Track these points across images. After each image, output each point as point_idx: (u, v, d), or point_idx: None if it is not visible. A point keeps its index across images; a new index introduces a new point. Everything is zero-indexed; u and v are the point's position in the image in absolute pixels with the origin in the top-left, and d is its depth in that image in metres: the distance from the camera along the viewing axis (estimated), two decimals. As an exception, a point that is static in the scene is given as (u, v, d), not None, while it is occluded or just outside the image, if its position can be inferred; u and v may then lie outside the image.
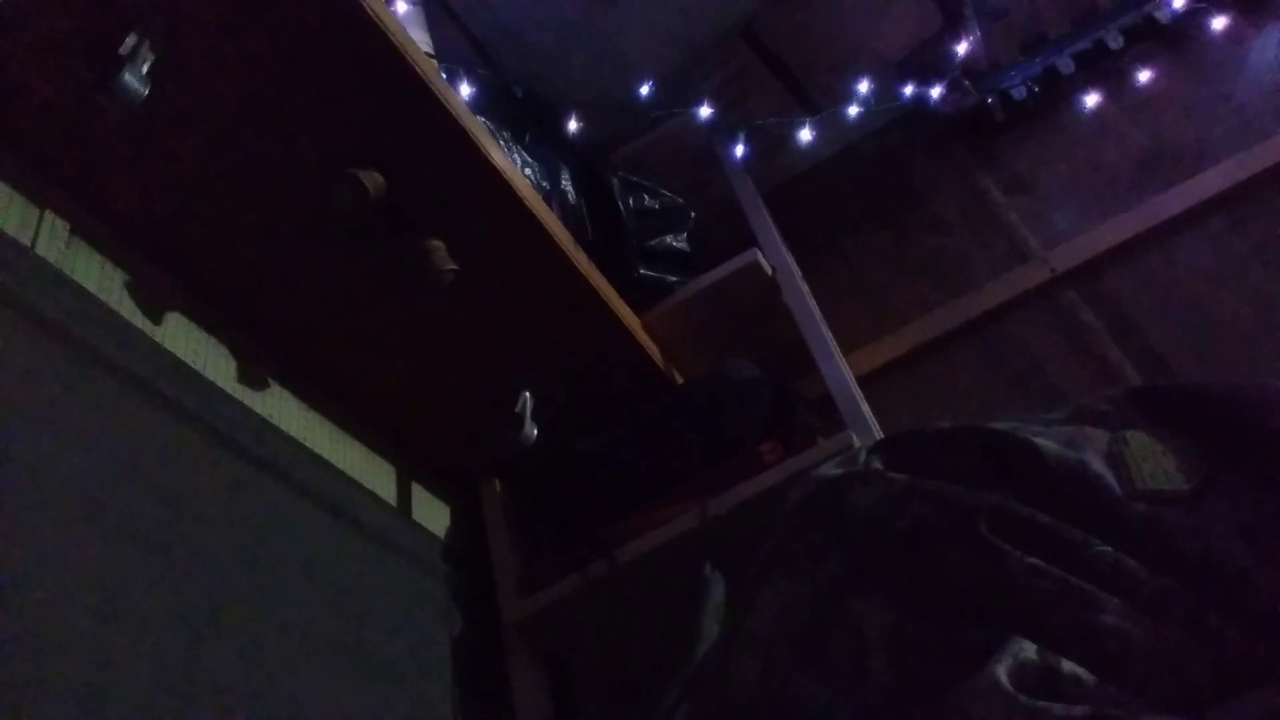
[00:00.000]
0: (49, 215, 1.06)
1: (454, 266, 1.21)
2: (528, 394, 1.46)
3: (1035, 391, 1.71)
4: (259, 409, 1.23)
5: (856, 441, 1.30)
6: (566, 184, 1.56)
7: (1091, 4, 2.01)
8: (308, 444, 1.29)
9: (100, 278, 1.10)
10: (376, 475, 1.44)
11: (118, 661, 0.83)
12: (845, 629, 0.66)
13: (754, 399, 1.45)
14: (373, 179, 1.14)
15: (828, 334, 1.56)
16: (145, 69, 0.96)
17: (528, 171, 1.44)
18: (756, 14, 1.95)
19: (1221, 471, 0.65)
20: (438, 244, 1.22)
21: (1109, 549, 0.61)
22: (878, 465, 0.77)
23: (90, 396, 0.96)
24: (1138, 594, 0.58)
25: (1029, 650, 0.56)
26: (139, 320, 1.11)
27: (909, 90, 1.98)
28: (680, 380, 1.66)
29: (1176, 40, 1.97)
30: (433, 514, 1.55)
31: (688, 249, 1.75)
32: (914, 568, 0.66)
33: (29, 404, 0.89)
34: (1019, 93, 2.00)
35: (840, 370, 1.47)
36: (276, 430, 1.23)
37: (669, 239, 1.73)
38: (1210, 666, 0.56)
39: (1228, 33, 1.93)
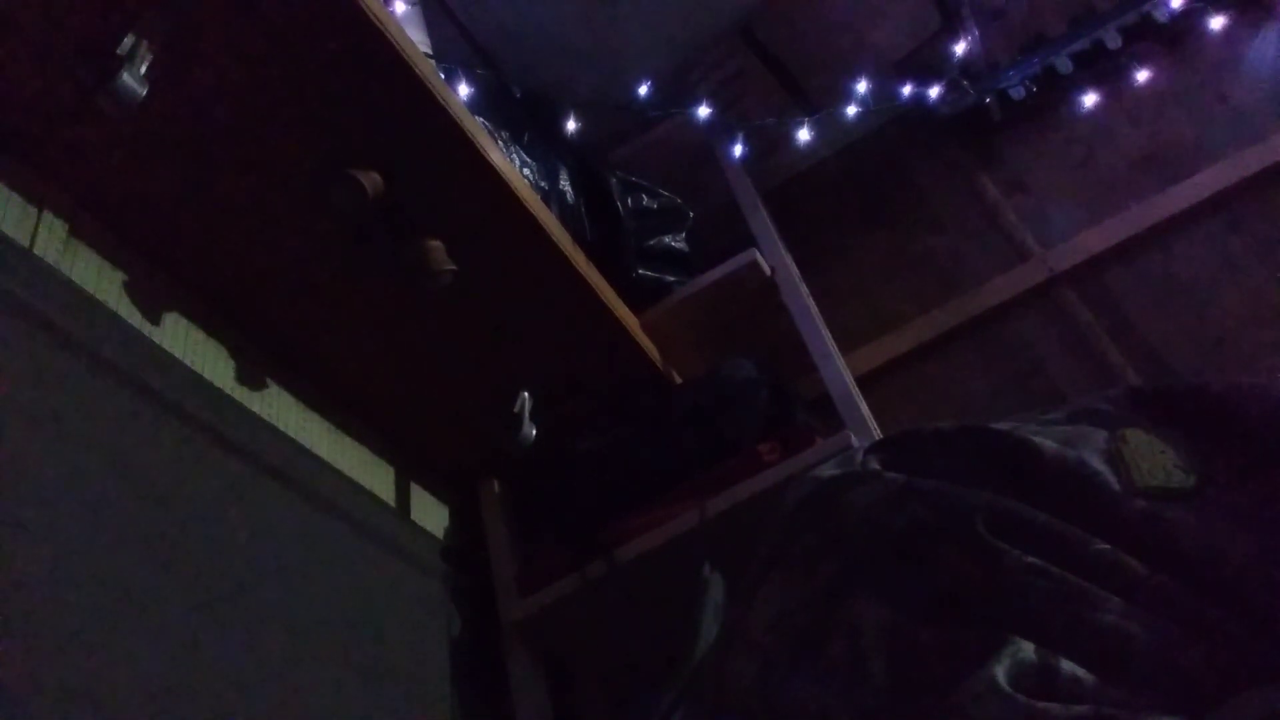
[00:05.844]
0: (47, 215, 1.06)
1: (453, 266, 1.21)
2: (526, 394, 1.46)
3: (1034, 391, 1.71)
4: (258, 409, 1.23)
5: (855, 441, 1.30)
6: (565, 184, 1.56)
7: (1089, 4, 2.02)
8: (306, 444, 1.29)
9: (99, 278, 1.09)
10: (375, 475, 1.44)
11: (118, 661, 0.83)
12: (843, 630, 0.66)
13: (752, 399, 1.45)
14: (371, 179, 1.14)
15: (826, 334, 1.56)
16: (144, 69, 0.96)
17: (526, 171, 1.44)
18: (755, 14, 1.95)
19: (1221, 469, 0.65)
20: (436, 244, 1.22)
21: (1108, 547, 0.61)
22: (875, 465, 0.77)
23: (89, 396, 0.96)
24: (1137, 592, 0.58)
25: (1027, 650, 0.56)
26: (137, 320, 1.11)
27: (907, 90, 1.98)
28: (679, 380, 1.66)
29: (1174, 40, 1.98)
30: (431, 514, 1.55)
31: (686, 249, 1.75)
32: (911, 568, 0.66)
33: (28, 404, 0.89)
34: (1017, 92, 2.00)
35: (839, 370, 1.47)
36: (275, 430, 1.23)
37: (667, 239, 1.73)
38: (1211, 665, 0.56)
39: (1225, 32, 1.93)
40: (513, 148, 1.45)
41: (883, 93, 1.97)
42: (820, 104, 2.00)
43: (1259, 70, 1.87)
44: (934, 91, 1.98)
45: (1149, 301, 1.71)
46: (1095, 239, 1.80)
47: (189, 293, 1.23)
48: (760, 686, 0.70)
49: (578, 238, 1.47)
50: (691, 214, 1.80)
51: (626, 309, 1.54)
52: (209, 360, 1.20)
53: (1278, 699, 0.53)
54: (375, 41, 1.06)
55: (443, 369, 1.45)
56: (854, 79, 1.94)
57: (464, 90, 1.52)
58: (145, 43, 0.96)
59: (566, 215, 1.52)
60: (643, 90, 1.87)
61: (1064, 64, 1.98)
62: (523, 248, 1.32)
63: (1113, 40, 1.96)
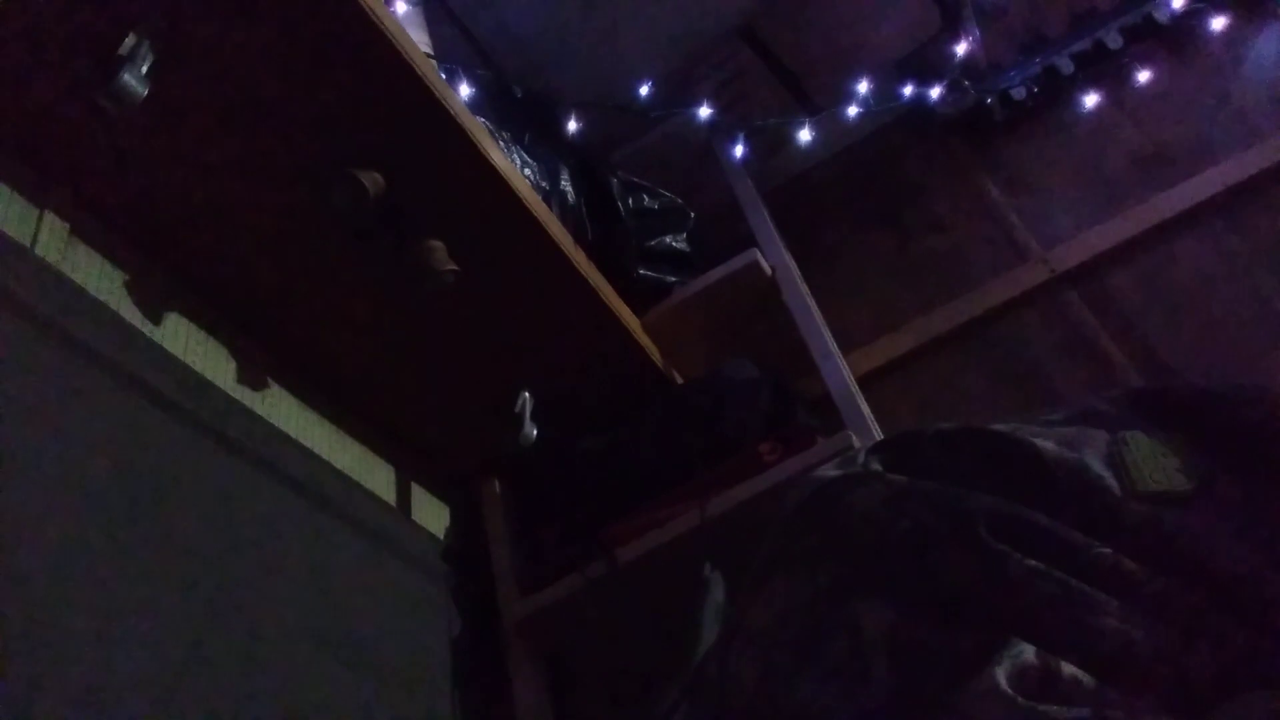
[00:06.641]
0: (49, 215, 1.06)
1: (454, 267, 1.21)
2: (527, 394, 1.46)
3: (1035, 391, 1.71)
4: (259, 409, 1.23)
5: (856, 441, 1.30)
6: (566, 184, 1.56)
7: (1091, 4, 2.01)
8: (307, 444, 1.29)
9: (100, 278, 1.10)
10: (375, 475, 1.44)
11: (118, 661, 0.83)
12: (844, 631, 0.66)
13: (753, 399, 1.45)
14: (372, 179, 1.14)
15: (827, 334, 1.56)
16: (145, 69, 0.96)
17: (527, 172, 1.44)
18: (756, 14, 1.95)
19: (1222, 472, 0.65)
20: (438, 244, 1.22)
21: (1109, 551, 0.61)
22: (876, 466, 0.77)
23: (90, 396, 0.96)
24: (1138, 596, 0.58)
25: (1028, 653, 0.56)
26: (138, 320, 1.11)
27: (908, 90, 1.98)
28: (680, 380, 1.66)
29: (1176, 40, 1.97)
30: (432, 514, 1.55)
31: (687, 249, 1.75)
32: (913, 570, 0.66)
33: (29, 404, 0.89)
34: (1018, 93, 2.00)
35: (840, 370, 1.47)
36: (276, 430, 1.23)
37: (668, 239, 1.73)
38: (1211, 668, 0.56)
39: (1227, 33, 1.93)
40: (514, 148, 1.45)
41: (884, 93, 1.97)
42: (821, 104, 2.00)
43: (1260, 70, 1.87)
44: (935, 92, 1.97)
45: (1149, 301, 1.71)
46: (1096, 239, 1.80)
47: (189, 293, 1.23)
48: (762, 687, 0.70)
49: (579, 238, 1.47)
50: (693, 214, 1.80)
51: (627, 309, 1.54)
52: (209, 360, 1.20)
53: (1277, 701, 0.53)
54: (376, 41, 1.06)
55: (443, 369, 1.45)
56: (855, 79, 1.93)
57: (465, 90, 1.52)
58: (146, 43, 0.97)
59: (567, 215, 1.51)
60: (644, 90, 1.87)
61: (1065, 64, 1.98)
62: (524, 248, 1.32)
63: (1114, 40, 1.96)
